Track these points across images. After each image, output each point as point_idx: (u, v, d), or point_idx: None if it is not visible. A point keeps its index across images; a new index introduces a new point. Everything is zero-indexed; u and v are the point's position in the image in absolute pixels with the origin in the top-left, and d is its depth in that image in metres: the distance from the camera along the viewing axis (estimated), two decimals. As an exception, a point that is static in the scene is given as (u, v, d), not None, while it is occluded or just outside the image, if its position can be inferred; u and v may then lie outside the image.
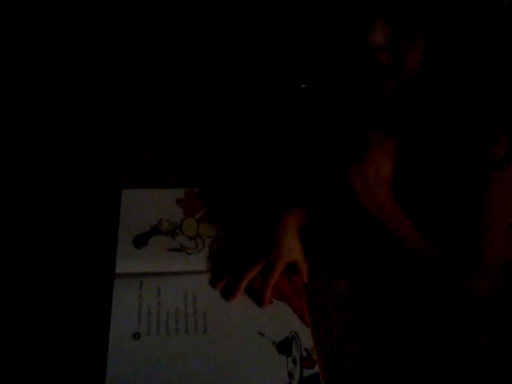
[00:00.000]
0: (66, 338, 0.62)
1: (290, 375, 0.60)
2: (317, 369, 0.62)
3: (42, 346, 0.61)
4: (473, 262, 0.64)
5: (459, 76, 0.61)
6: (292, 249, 0.70)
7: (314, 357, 0.63)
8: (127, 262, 0.71)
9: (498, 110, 0.60)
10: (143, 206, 0.81)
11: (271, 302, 0.68)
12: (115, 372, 0.58)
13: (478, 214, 0.63)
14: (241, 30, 1.14)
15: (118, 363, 0.59)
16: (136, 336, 0.62)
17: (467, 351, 0.66)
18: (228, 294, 0.68)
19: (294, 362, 0.62)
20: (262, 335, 0.64)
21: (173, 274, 0.70)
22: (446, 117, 0.64)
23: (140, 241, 0.75)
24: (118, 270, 0.69)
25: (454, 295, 0.69)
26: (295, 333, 0.65)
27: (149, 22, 1.20)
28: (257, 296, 0.68)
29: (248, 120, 1.02)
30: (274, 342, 0.64)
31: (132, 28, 1.19)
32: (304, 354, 0.63)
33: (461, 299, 0.69)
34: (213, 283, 0.70)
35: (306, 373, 0.61)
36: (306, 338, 0.64)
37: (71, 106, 1.03)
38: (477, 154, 0.61)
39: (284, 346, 0.63)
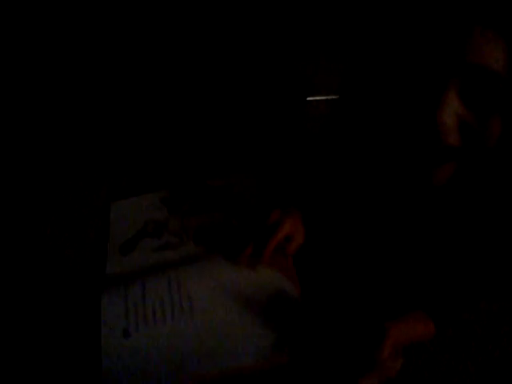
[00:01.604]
0: (61, 343, 0.65)
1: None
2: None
3: (37, 351, 0.64)
4: None
5: None
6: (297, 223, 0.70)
7: None
8: (115, 271, 0.72)
9: None
10: (131, 214, 0.82)
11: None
12: (110, 371, 0.59)
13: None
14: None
15: (112, 363, 0.60)
16: (126, 333, 0.63)
17: (478, 363, 0.63)
18: (253, 263, 0.68)
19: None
20: (250, 303, 0.64)
21: (156, 268, 0.71)
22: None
23: (127, 248, 0.76)
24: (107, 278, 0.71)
25: None
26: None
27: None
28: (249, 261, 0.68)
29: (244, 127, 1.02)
30: (260, 308, 0.63)
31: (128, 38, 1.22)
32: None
33: None
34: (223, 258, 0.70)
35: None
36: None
37: (56, 122, 1.04)
38: None
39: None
